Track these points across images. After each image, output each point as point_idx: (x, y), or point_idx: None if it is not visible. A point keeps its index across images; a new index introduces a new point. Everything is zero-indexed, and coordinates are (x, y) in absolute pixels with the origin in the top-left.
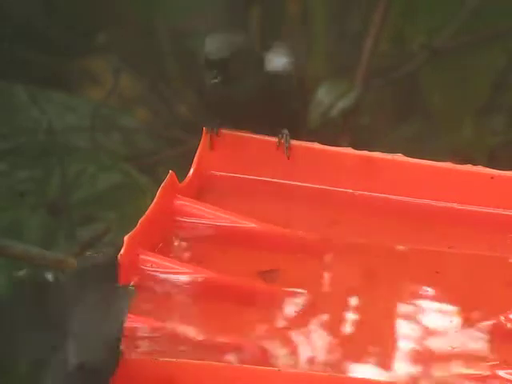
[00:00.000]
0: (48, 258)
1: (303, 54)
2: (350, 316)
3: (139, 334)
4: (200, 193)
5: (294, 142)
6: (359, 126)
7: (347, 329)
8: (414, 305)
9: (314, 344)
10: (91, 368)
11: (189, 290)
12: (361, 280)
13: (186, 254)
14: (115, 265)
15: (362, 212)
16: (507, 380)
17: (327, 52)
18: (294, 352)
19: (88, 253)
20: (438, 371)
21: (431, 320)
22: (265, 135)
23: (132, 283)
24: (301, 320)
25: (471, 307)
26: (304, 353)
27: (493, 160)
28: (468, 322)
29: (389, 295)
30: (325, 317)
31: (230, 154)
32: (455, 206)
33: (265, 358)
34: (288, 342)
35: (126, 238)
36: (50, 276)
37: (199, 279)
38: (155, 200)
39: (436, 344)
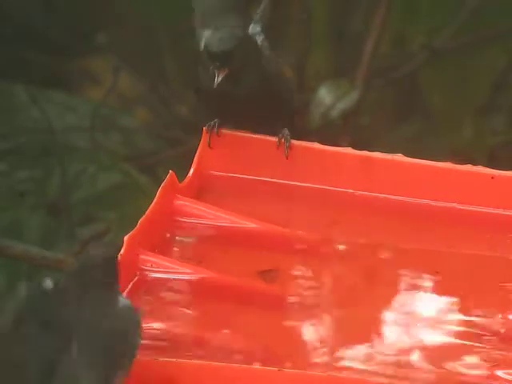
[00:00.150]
0: (48, 257)
1: (303, 53)
2: (350, 316)
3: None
4: (200, 193)
5: (294, 142)
6: (359, 126)
7: (347, 329)
8: (414, 305)
9: (314, 344)
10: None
11: (189, 289)
12: (361, 280)
13: (186, 254)
14: (115, 263)
15: (361, 212)
16: (507, 380)
17: (327, 52)
18: (294, 352)
19: (87, 250)
20: (437, 371)
21: (431, 320)
22: (265, 135)
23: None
24: (301, 320)
25: (471, 307)
26: (304, 352)
27: (493, 160)
28: (468, 322)
29: (388, 295)
30: (325, 316)
31: (230, 153)
32: (455, 205)
33: (265, 357)
34: (288, 342)
35: (126, 238)
36: (48, 283)
37: (199, 279)
38: (155, 200)
39: (436, 344)
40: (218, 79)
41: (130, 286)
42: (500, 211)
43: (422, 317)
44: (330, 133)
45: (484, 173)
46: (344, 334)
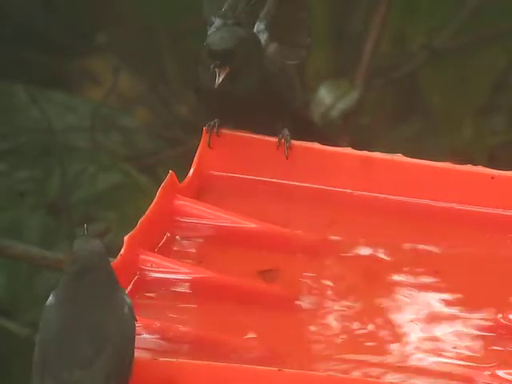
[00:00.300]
0: (48, 257)
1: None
2: (350, 316)
3: (139, 334)
4: (200, 193)
5: (294, 142)
6: (359, 126)
7: (347, 328)
8: (414, 305)
9: (314, 343)
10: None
11: (189, 289)
12: (361, 280)
13: (186, 254)
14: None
15: (361, 212)
16: (507, 380)
17: (327, 52)
18: (294, 351)
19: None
20: (437, 371)
21: (431, 320)
22: (265, 135)
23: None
24: (301, 320)
25: (471, 307)
26: (304, 352)
27: (493, 160)
28: (468, 322)
29: (388, 295)
30: (324, 316)
31: (230, 153)
32: (455, 206)
33: (265, 357)
34: (288, 342)
35: (126, 238)
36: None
37: (199, 279)
38: (155, 200)
39: (436, 344)
40: (218, 79)
41: (130, 286)
42: (500, 211)
43: (421, 317)
44: (329, 133)
45: (484, 173)
46: (343, 333)
